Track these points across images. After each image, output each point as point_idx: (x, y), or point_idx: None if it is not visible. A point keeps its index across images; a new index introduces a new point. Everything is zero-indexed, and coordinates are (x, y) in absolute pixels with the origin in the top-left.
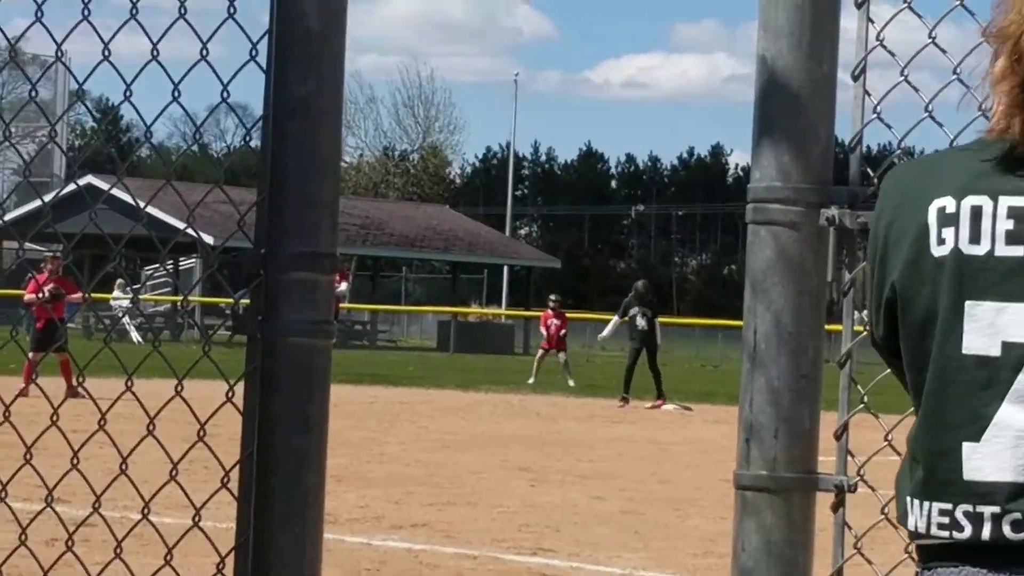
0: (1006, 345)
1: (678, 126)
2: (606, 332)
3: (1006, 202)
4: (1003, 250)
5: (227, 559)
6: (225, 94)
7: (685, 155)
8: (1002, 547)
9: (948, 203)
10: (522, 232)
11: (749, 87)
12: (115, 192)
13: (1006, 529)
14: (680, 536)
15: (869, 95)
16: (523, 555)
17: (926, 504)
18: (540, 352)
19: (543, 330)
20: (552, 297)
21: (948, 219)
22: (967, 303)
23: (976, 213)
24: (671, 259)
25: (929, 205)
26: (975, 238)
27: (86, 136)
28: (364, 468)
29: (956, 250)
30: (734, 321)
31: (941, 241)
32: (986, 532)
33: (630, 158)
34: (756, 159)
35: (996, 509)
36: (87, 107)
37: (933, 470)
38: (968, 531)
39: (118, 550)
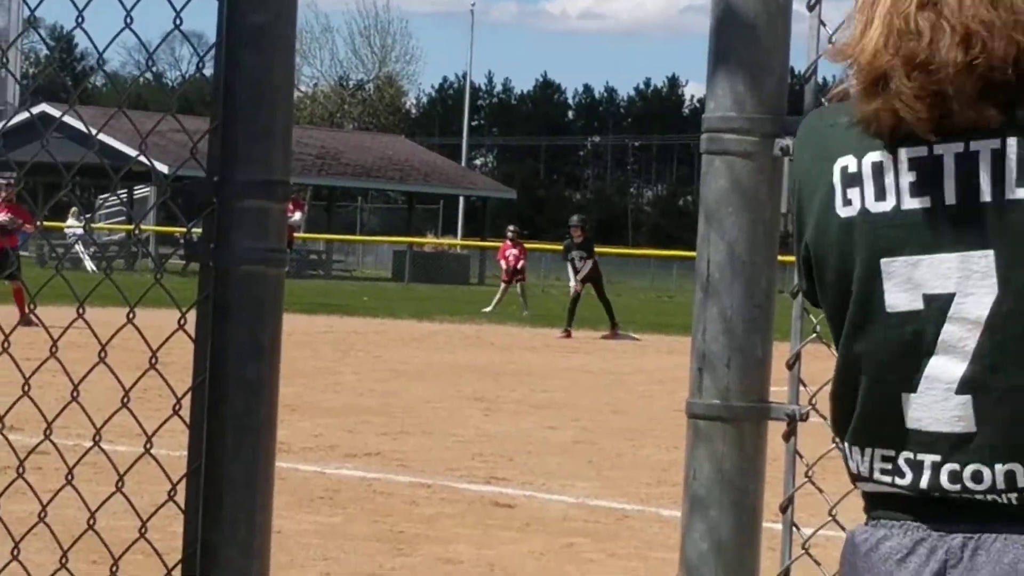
0: (927, 298)
1: (635, 57)
2: (572, 282)
3: (905, 154)
4: (909, 203)
5: (179, 486)
6: (178, 21)
7: (642, 86)
8: (938, 499)
9: (850, 162)
10: (478, 163)
11: (706, 18)
12: (69, 120)
13: (943, 479)
14: (633, 465)
15: (824, 25)
16: (477, 484)
17: (868, 450)
18: (503, 286)
19: (501, 262)
20: (511, 228)
21: (852, 179)
22: (882, 261)
23: (878, 169)
24: (627, 190)
25: (833, 165)
26: (880, 195)
27: (40, 64)
28: (318, 397)
29: (864, 210)
30: (689, 252)
31: (847, 202)
32: (924, 480)
33: (587, 89)
34: (711, 89)
35: (936, 458)
36: (40, 35)
37: (876, 419)
38: (909, 478)
39: (70, 477)
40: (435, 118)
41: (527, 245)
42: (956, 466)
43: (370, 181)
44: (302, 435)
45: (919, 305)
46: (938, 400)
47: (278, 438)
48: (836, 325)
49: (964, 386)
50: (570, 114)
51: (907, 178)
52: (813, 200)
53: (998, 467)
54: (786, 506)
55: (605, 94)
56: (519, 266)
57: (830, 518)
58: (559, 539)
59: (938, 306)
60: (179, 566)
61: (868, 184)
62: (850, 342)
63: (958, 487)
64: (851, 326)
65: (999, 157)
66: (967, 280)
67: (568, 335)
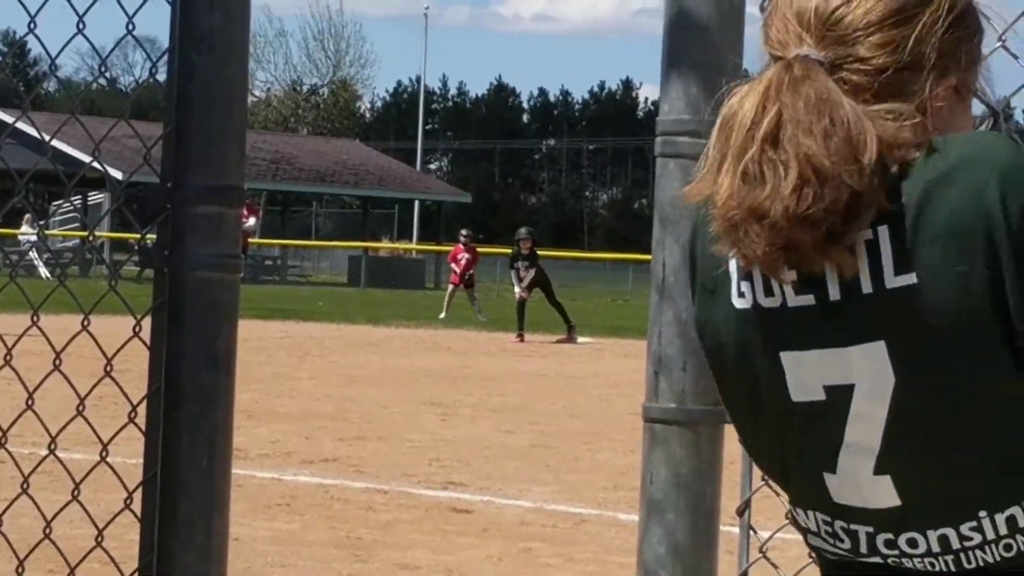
0: (828, 389)
1: (589, 60)
2: (517, 289)
3: None
4: (794, 300)
5: (135, 494)
6: (131, 26)
7: (596, 89)
8: (881, 565)
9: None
10: (432, 167)
11: (659, 20)
12: (22, 126)
13: (880, 546)
14: (590, 469)
15: None
16: (433, 489)
17: (810, 512)
18: (451, 288)
19: (452, 265)
20: (463, 232)
21: (744, 272)
22: (781, 354)
23: None
24: (582, 193)
25: (722, 254)
26: (768, 291)
27: None
28: (274, 403)
29: (756, 304)
30: (645, 255)
31: (741, 294)
32: (863, 547)
33: (542, 92)
34: (664, 92)
35: (869, 528)
36: None
37: (807, 494)
38: (847, 544)
39: (25, 486)
40: (390, 122)
41: (480, 249)
42: (890, 535)
43: (325, 186)
44: (259, 441)
45: (821, 396)
46: (859, 481)
47: (234, 445)
48: (737, 409)
49: (880, 467)
50: (525, 117)
51: (789, 275)
52: (706, 271)
53: (931, 533)
54: (743, 509)
55: (560, 97)
56: (469, 271)
57: (787, 521)
58: (517, 544)
59: (841, 396)
60: (136, 574)
61: (757, 278)
62: (758, 430)
63: (896, 552)
64: (755, 416)
65: (873, 248)
66: (864, 370)
67: (521, 339)
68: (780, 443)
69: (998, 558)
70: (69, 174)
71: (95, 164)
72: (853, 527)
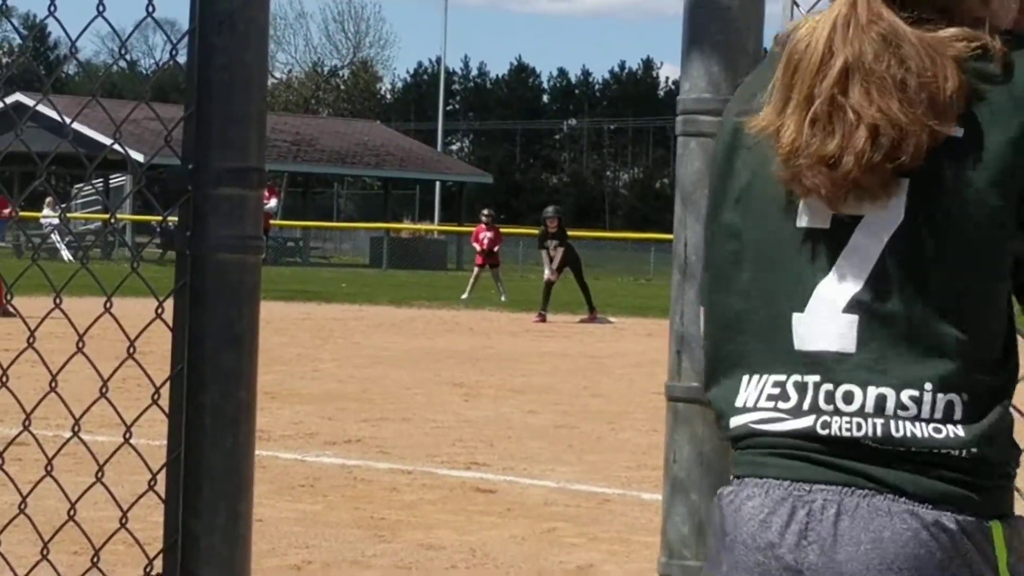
0: (836, 219)
1: (609, 40)
2: (547, 271)
3: None
4: None
5: (159, 476)
6: (151, 8)
7: (616, 69)
8: (805, 439)
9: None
10: (454, 147)
11: (677, 0)
12: (43, 109)
13: (820, 400)
14: (613, 449)
15: (797, 6)
16: (457, 469)
17: (757, 377)
18: (476, 269)
19: (475, 244)
20: (485, 211)
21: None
22: None
23: None
24: (603, 173)
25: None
26: None
27: (13, 54)
28: (297, 385)
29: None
30: (667, 235)
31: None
32: (806, 403)
33: (562, 72)
34: (685, 71)
35: (816, 378)
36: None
37: (769, 341)
38: (792, 401)
39: (49, 468)
40: (410, 103)
41: (503, 229)
42: (831, 386)
43: (346, 167)
44: (282, 423)
45: (826, 225)
46: (824, 318)
47: (258, 426)
48: (722, 254)
49: (852, 306)
50: (545, 98)
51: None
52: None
53: (870, 389)
54: None
55: (580, 77)
56: (494, 249)
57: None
58: (540, 524)
59: (844, 227)
60: (160, 555)
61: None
62: (734, 273)
63: (830, 408)
64: (758, 238)
65: None
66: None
67: (543, 319)
68: (767, 272)
69: (925, 435)
70: (90, 156)
71: (116, 146)
72: (805, 378)
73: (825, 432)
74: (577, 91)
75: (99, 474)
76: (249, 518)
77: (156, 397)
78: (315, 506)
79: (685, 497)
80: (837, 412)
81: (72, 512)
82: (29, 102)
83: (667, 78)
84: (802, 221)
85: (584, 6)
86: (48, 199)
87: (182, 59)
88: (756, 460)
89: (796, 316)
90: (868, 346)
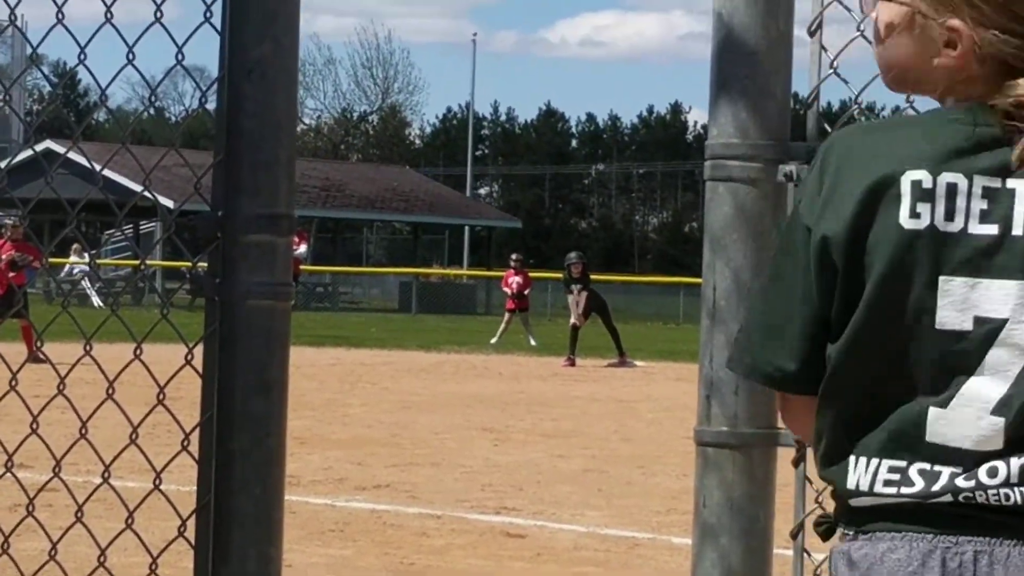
0: (978, 320)
1: (637, 84)
2: (574, 316)
3: (980, 182)
4: (976, 228)
5: (188, 522)
6: (180, 56)
7: (645, 113)
8: (943, 505)
9: (924, 177)
10: (482, 192)
11: (706, 45)
12: (73, 156)
13: (959, 482)
14: (643, 494)
15: (826, 51)
16: (487, 514)
17: (875, 461)
18: (507, 315)
19: (505, 289)
20: (514, 256)
21: (924, 194)
22: (941, 278)
23: (951, 191)
24: (632, 217)
25: (902, 175)
26: (950, 216)
27: (44, 101)
28: (327, 430)
29: (932, 227)
30: (695, 279)
31: (915, 215)
32: (937, 486)
33: (590, 117)
34: (713, 116)
35: (957, 470)
36: (42, 72)
37: (895, 432)
38: (919, 487)
39: (80, 514)
40: (439, 148)
41: (532, 274)
42: (974, 469)
43: (375, 212)
44: (311, 468)
45: (968, 326)
46: (971, 419)
47: (287, 471)
48: (858, 333)
49: (1000, 408)
50: (574, 142)
51: (978, 204)
52: (845, 204)
53: (1014, 460)
54: (797, 532)
55: (608, 122)
56: (524, 293)
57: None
58: (570, 568)
59: (989, 329)
60: None
61: (940, 203)
62: (874, 354)
63: (971, 484)
64: (885, 338)
65: None
66: (1022, 308)
67: (572, 363)
68: (892, 374)
69: None
70: (120, 203)
71: (146, 193)
72: (936, 468)
73: (968, 501)
74: (605, 135)
75: (129, 520)
76: (279, 564)
77: (186, 443)
78: (345, 551)
79: (715, 542)
80: (979, 487)
81: (102, 558)
82: (59, 149)
83: (695, 122)
84: (945, 323)
85: (613, 51)
86: (75, 246)
87: (211, 106)
88: (888, 521)
89: (935, 412)
90: (1014, 444)
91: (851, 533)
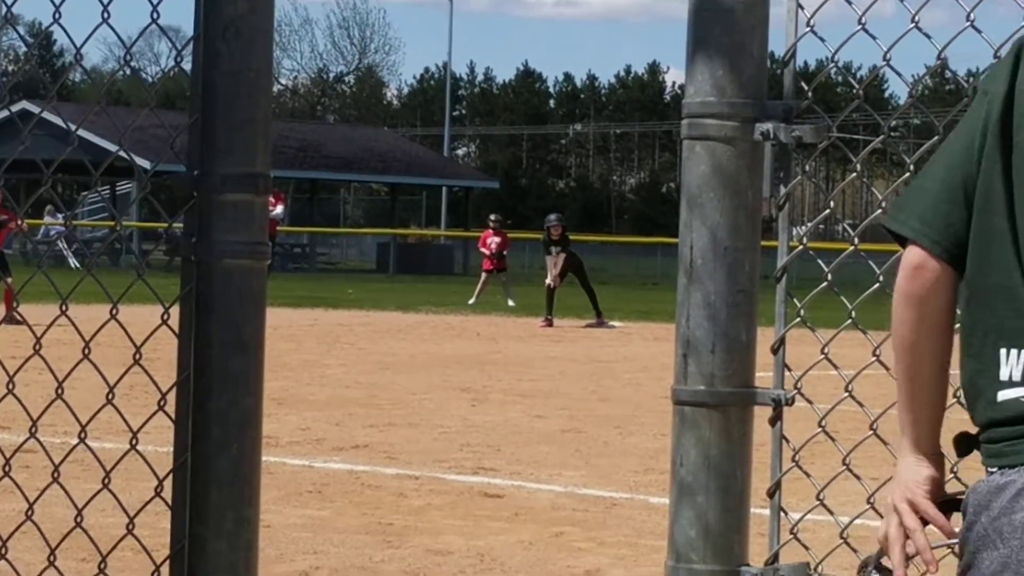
0: None
1: (614, 44)
2: (549, 277)
3: None
4: None
5: (166, 482)
6: (155, 15)
7: (622, 73)
8: None
9: None
10: (460, 153)
11: (682, 4)
12: (49, 117)
13: None
14: (621, 453)
15: (802, 8)
16: (464, 475)
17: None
18: (484, 275)
19: (483, 249)
20: (492, 217)
21: None
22: None
23: None
24: (609, 178)
25: None
26: None
27: (19, 62)
28: (304, 391)
29: None
30: (673, 239)
31: None
32: None
33: (568, 77)
34: (690, 75)
35: None
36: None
37: None
38: None
39: (56, 475)
40: (416, 109)
41: (510, 234)
42: None
43: (352, 173)
44: (289, 429)
45: None
46: None
47: (265, 432)
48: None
49: None
50: (551, 103)
51: None
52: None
53: None
54: (773, 491)
55: (586, 81)
56: (502, 253)
57: (818, 502)
58: (548, 528)
59: None
60: (167, 562)
61: None
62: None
63: None
64: None
65: None
66: None
67: (550, 323)
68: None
69: None
70: (96, 163)
71: (122, 153)
72: None
73: None
74: (583, 96)
75: (106, 480)
76: (256, 524)
77: (163, 403)
78: (323, 512)
79: (692, 500)
80: None
81: (79, 519)
82: (35, 110)
83: (673, 83)
84: None
85: (590, 10)
86: (48, 207)
87: (187, 66)
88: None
89: None
90: None
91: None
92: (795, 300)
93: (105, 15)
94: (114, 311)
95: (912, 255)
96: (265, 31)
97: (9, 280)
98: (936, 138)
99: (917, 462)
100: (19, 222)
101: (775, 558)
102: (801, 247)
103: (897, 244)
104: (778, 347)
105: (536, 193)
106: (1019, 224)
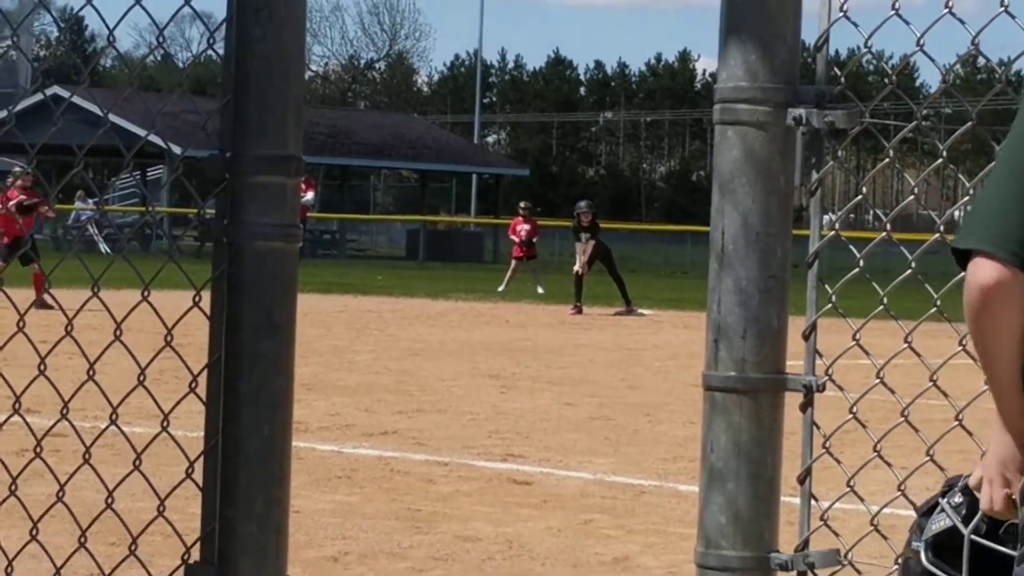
0: None
1: (645, 32)
2: (578, 264)
3: None
4: None
5: (196, 464)
6: None
7: (653, 61)
8: None
9: None
10: (490, 140)
11: None
12: (81, 102)
13: None
14: (650, 441)
15: None
16: (493, 461)
17: None
18: (513, 263)
19: (513, 236)
20: (522, 204)
21: None
22: None
23: None
24: (640, 165)
25: None
26: None
27: (51, 47)
28: (334, 376)
29: None
30: (703, 227)
31: None
32: None
33: (599, 65)
34: (723, 59)
35: None
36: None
37: None
38: None
39: (87, 457)
40: (447, 96)
41: (540, 222)
42: None
43: (382, 160)
44: (318, 414)
45: None
46: None
47: (295, 418)
48: None
49: None
50: (582, 90)
51: None
52: None
53: None
54: (804, 478)
55: (617, 69)
56: (532, 241)
57: (848, 489)
58: (577, 516)
59: None
60: (197, 544)
61: None
62: None
63: None
64: None
65: None
66: None
67: (579, 311)
68: None
69: None
70: (128, 147)
71: (154, 138)
72: None
73: None
74: (614, 83)
75: (136, 463)
76: (286, 506)
77: (194, 385)
78: (352, 497)
79: (722, 487)
80: None
81: (110, 502)
82: (67, 94)
83: (704, 70)
84: None
85: None
86: (79, 192)
87: (219, 48)
88: None
89: None
90: None
91: None
92: (827, 287)
93: None
94: (146, 293)
95: (979, 265)
96: (297, 13)
97: (37, 265)
98: (969, 124)
99: (1009, 441)
100: (48, 208)
101: (805, 544)
102: (833, 232)
103: (959, 265)
104: (809, 333)
105: (566, 181)
106: None
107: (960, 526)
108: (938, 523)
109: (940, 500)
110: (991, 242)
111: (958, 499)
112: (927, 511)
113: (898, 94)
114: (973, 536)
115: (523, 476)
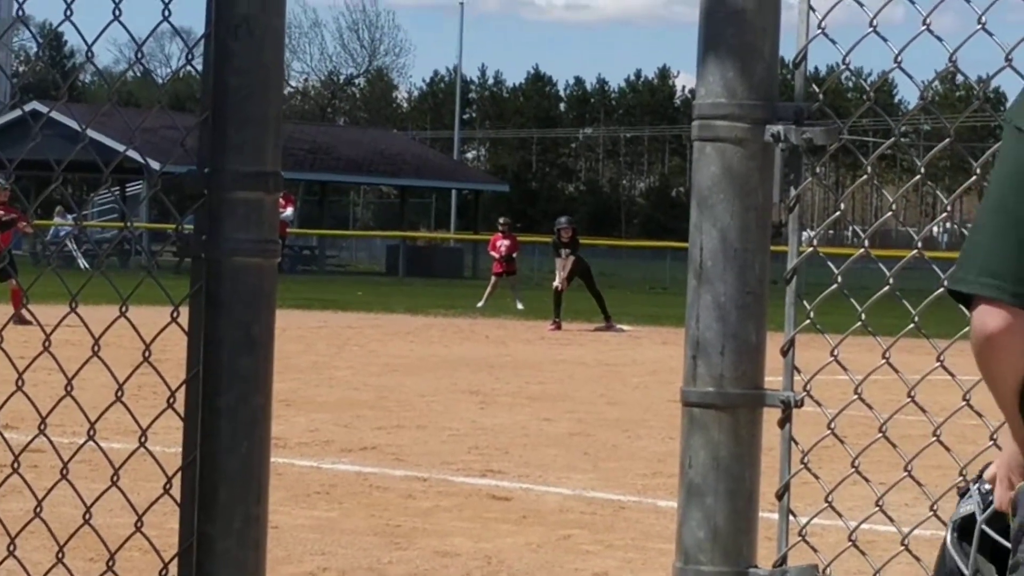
0: None
1: (625, 48)
2: (557, 280)
3: None
4: None
5: (174, 480)
6: (166, 13)
7: (632, 77)
8: None
9: None
10: (470, 156)
11: (692, 9)
12: (61, 118)
13: None
14: (629, 456)
15: (814, 10)
16: (472, 477)
17: None
18: (493, 279)
19: (493, 252)
20: (502, 220)
21: None
22: None
23: None
24: (619, 182)
25: None
26: None
27: (31, 62)
28: (313, 392)
29: None
30: (682, 243)
31: None
32: None
33: (578, 81)
34: (701, 76)
35: None
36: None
37: None
38: None
39: (65, 473)
40: (426, 112)
41: (519, 238)
42: None
43: (362, 176)
44: (298, 430)
45: None
46: None
47: (273, 433)
48: None
49: None
50: (561, 106)
51: None
52: None
53: None
54: (782, 493)
55: (596, 85)
56: (512, 256)
57: (826, 505)
58: (556, 531)
59: None
60: (175, 560)
61: None
62: None
63: None
64: None
65: None
66: None
67: (558, 327)
68: None
69: None
70: (107, 162)
71: (132, 153)
72: None
73: None
74: (593, 99)
75: (114, 479)
76: (264, 522)
77: (172, 401)
78: (331, 513)
79: (700, 502)
80: None
81: (87, 517)
82: (45, 110)
83: (683, 87)
84: None
85: (601, 14)
86: (58, 208)
87: (197, 64)
88: None
89: None
90: None
91: None
92: (805, 303)
93: (116, 12)
94: (124, 308)
95: (985, 313)
96: (276, 29)
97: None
98: (948, 140)
99: (1015, 448)
100: (26, 223)
101: (783, 560)
102: (811, 248)
103: (962, 306)
104: (787, 348)
105: (546, 197)
106: None
107: (978, 513)
108: (966, 507)
109: (971, 485)
110: (993, 286)
111: (987, 487)
112: (964, 492)
113: (877, 111)
114: (984, 527)
115: (502, 492)
